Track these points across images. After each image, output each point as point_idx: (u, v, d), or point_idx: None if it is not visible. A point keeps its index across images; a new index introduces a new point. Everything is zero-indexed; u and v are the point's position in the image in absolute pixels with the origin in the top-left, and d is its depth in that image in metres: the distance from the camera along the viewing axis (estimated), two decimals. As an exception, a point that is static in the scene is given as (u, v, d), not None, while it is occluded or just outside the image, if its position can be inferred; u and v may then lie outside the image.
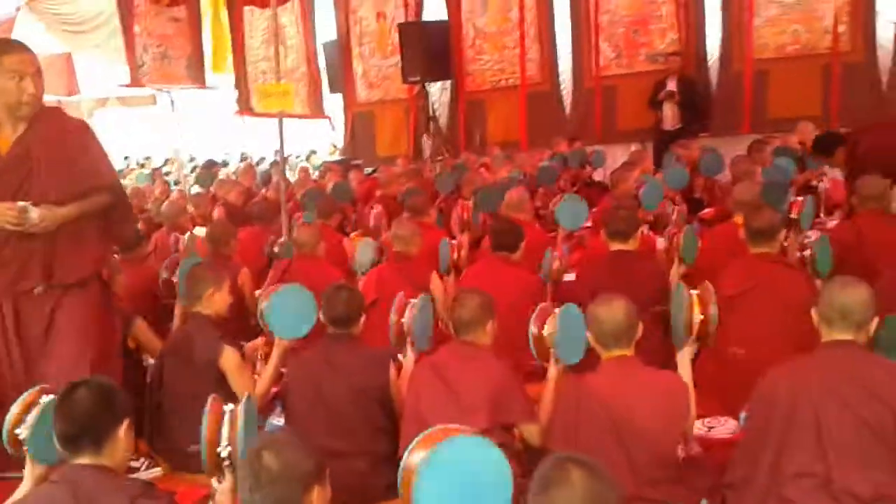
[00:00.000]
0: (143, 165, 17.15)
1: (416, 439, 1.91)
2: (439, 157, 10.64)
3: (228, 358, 3.36)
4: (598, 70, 9.95)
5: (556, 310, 2.99)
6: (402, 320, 3.37)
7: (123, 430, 2.07)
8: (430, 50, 10.35)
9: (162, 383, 3.48)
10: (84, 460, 2.00)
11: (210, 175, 10.08)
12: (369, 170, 10.95)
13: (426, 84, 10.89)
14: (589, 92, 10.07)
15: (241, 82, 12.23)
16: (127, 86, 10.99)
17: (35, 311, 3.15)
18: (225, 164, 14.85)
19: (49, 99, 16.88)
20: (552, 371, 2.91)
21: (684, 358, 2.87)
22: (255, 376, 3.57)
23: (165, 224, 6.15)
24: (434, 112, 11.05)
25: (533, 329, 2.99)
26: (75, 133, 3.20)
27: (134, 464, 3.37)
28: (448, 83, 11.04)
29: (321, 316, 3.21)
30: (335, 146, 17.66)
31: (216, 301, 3.50)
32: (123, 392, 2.15)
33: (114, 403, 2.08)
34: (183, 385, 3.41)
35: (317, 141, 16.91)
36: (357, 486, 2.85)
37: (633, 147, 9.80)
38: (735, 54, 9.23)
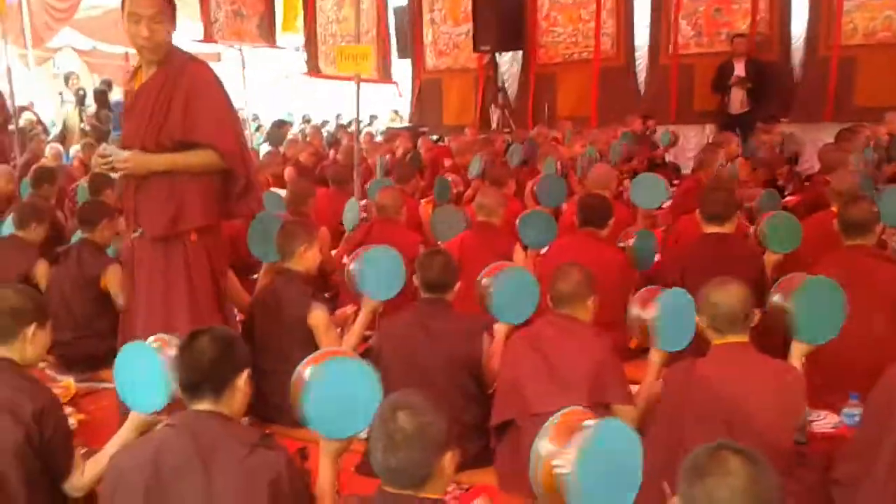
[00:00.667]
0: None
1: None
2: (506, 129, 10.55)
3: (317, 315, 3.38)
4: (676, 48, 9.71)
5: (660, 294, 2.92)
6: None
7: (243, 380, 2.08)
8: (503, 19, 10.20)
9: (252, 338, 3.51)
10: (203, 407, 2.02)
11: (280, 134, 10.13)
12: (434, 137, 10.90)
13: (496, 54, 10.78)
14: (665, 70, 9.85)
15: (311, 43, 12.19)
16: (200, 41, 11.02)
17: (144, 257, 3.19)
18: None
19: (117, 51, 17.01)
20: (655, 356, 2.85)
21: (797, 349, 2.78)
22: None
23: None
24: (503, 83, 10.93)
25: (635, 310, 2.94)
26: (192, 83, 3.08)
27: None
28: (519, 54, 10.89)
29: (414, 279, 3.18)
30: (396, 112, 17.64)
31: (308, 258, 3.52)
32: (243, 342, 2.15)
33: (235, 353, 2.09)
34: (272, 340, 3.44)
35: (378, 106, 16.89)
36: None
37: (707, 128, 9.63)
38: (822, 39, 8.92)
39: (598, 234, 4.08)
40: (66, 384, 3.69)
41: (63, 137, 9.72)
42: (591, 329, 2.83)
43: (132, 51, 17.24)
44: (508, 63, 11.03)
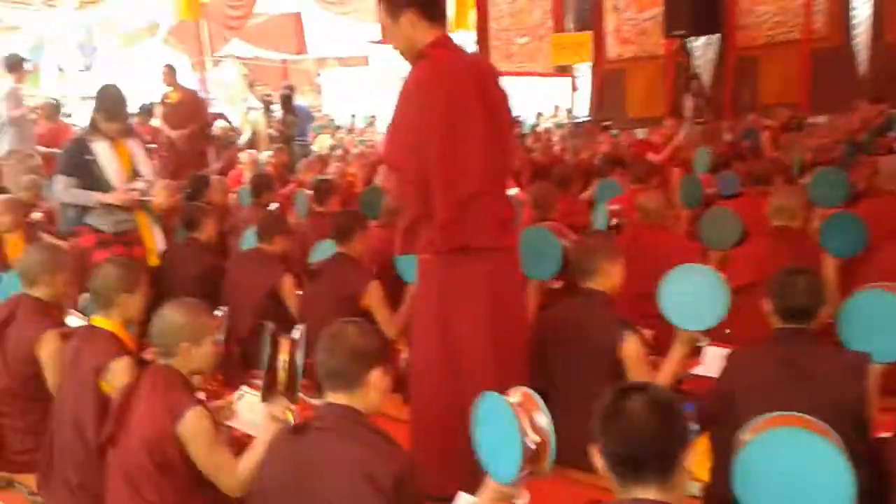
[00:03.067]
0: (371, 123, 17.35)
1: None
2: (699, 120, 9.76)
3: (631, 345, 2.88)
4: (905, 21, 8.63)
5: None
6: None
7: (688, 458, 1.59)
8: (697, 1, 9.42)
9: (545, 367, 3.06)
10: (648, 494, 1.55)
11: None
12: (615, 132, 10.27)
13: (689, 39, 9.99)
14: (889, 47, 8.76)
15: (483, 39, 11.79)
16: (377, 42, 10.91)
17: None
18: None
19: (276, 57, 17.37)
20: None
21: None
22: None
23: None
24: (696, 70, 10.12)
25: None
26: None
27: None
28: (714, 38, 10.05)
29: (769, 304, 2.61)
30: (558, 107, 17.00)
31: (614, 276, 3.02)
32: (681, 404, 1.65)
33: (680, 420, 1.60)
34: (570, 373, 2.98)
35: (538, 103, 16.36)
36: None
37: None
38: None
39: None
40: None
41: (251, 144, 9.79)
42: None
43: (291, 56, 17.67)
44: (702, 48, 10.21)
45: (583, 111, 12.06)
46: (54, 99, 9.16)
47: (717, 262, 4.13)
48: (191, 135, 8.32)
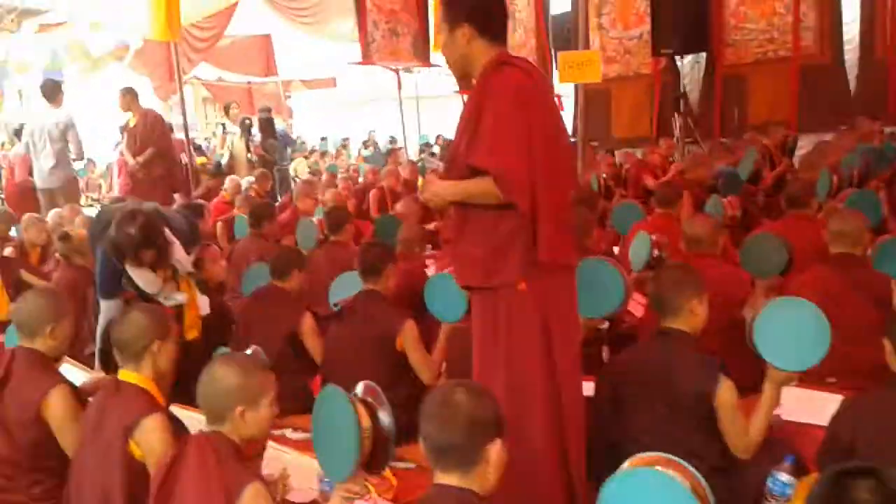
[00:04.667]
0: (344, 146, 17.05)
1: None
2: (688, 139, 9.63)
3: (726, 391, 2.58)
4: (895, 38, 8.61)
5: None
6: None
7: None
8: (686, 19, 9.30)
9: (620, 413, 2.76)
10: None
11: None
12: (601, 152, 10.10)
13: (675, 58, 9.89)
14: (880, 64, 8.74)
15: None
16: (359, 63, 10.61)
17: (475, 302, 2.68)
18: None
19: (241, 80, 16.95)
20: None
21: None
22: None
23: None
24: (684, 88, 10.01)
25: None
26: (481, 94, 2.47)
27: None
28: (700, 56, 9.96)
29: (890, 345, 2.34)
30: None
31: (699, 314, 2.73)
32: None
33: None
34: (653, 422, 2.68)
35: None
36: None
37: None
38: None
39: None
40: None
41: (230, 169, 9.38)
42: None
43: (255, 79, 17.29)
44: (689, 66, 10.10)
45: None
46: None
47: (766, 293, 3.88)
48: (146, 162, 7.41)
